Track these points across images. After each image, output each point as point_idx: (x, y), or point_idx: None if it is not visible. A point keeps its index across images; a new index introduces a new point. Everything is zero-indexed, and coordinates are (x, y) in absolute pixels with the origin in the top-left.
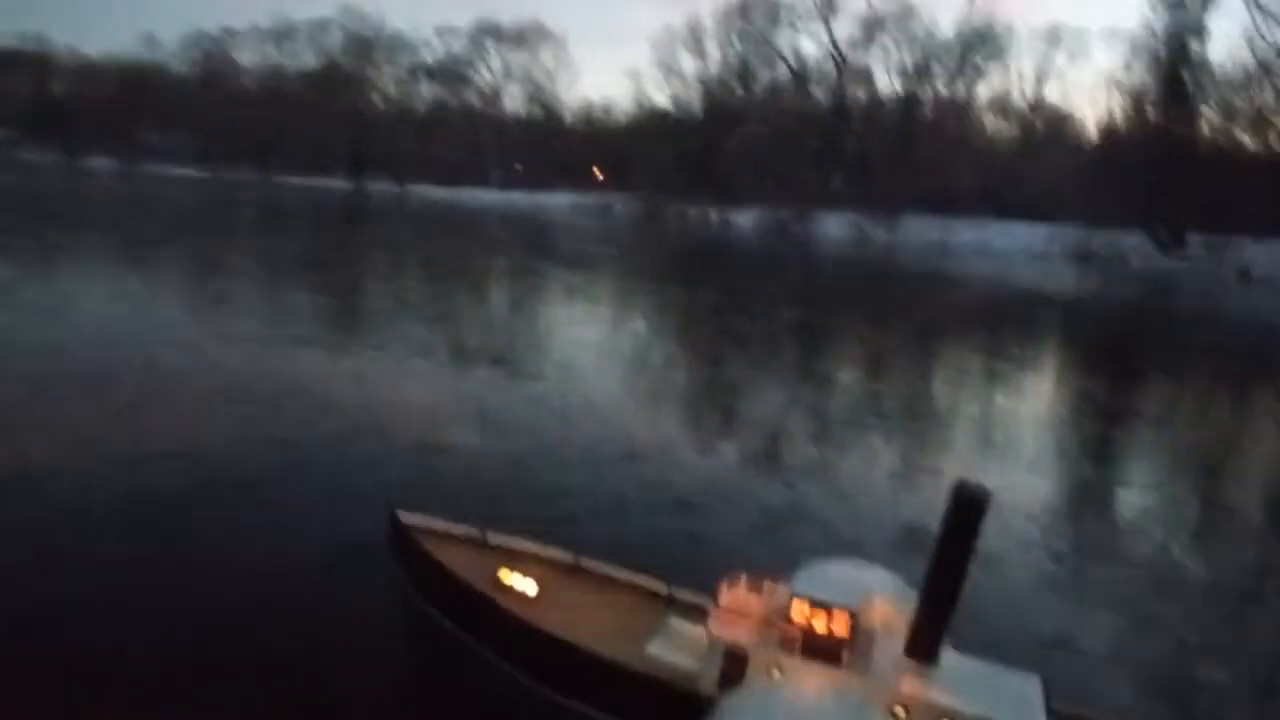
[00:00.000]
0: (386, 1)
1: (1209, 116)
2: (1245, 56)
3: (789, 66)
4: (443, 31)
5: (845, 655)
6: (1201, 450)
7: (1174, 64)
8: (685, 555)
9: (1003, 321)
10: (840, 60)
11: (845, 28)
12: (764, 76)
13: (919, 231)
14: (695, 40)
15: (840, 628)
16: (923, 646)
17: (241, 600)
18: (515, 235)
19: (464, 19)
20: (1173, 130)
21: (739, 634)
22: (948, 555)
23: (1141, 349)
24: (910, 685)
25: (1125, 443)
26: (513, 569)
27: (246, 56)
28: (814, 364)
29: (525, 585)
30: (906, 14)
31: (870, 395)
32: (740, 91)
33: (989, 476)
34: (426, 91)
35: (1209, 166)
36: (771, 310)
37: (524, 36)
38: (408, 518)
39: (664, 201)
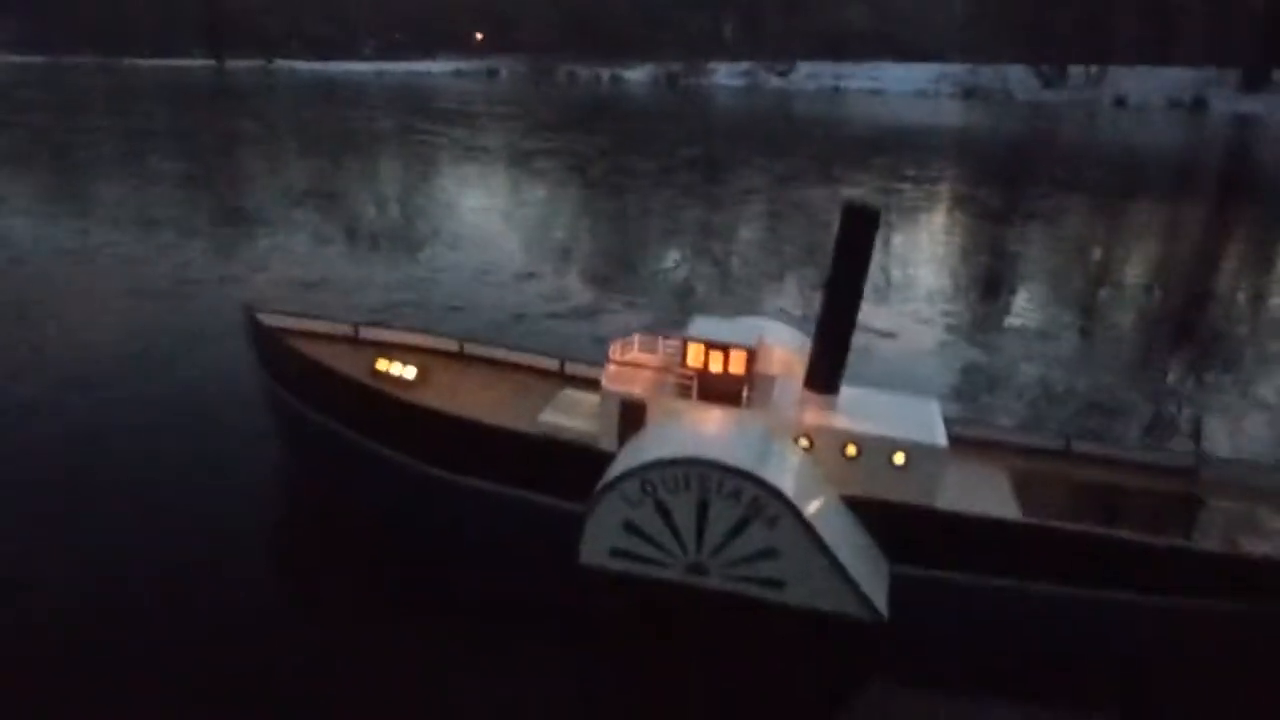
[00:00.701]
0: None
1: None
2: None
3: None
4: None
5: (745, 394)
6: (1080, 251)
7: None
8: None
9: (895, 151)
10: None
11: None
12: None
13: (812, 77)
14: None
15: (737, 367)
16: (822, 377)
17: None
18: (396, 104)
19: None
20: None
21: (634, 385)
22: (842, 277)
23: (1025, 169)
24: (812, 414)
25: (1013, 241)
26: (390, 359)
27: None
28: (710, 190)
29: (404, 371)
30: None
31: (763, 217)
32: None
33: (902, 282)
34: None
35: None
36: (667, 150)
37: None
38: (269, 318)
39: (551, 62)
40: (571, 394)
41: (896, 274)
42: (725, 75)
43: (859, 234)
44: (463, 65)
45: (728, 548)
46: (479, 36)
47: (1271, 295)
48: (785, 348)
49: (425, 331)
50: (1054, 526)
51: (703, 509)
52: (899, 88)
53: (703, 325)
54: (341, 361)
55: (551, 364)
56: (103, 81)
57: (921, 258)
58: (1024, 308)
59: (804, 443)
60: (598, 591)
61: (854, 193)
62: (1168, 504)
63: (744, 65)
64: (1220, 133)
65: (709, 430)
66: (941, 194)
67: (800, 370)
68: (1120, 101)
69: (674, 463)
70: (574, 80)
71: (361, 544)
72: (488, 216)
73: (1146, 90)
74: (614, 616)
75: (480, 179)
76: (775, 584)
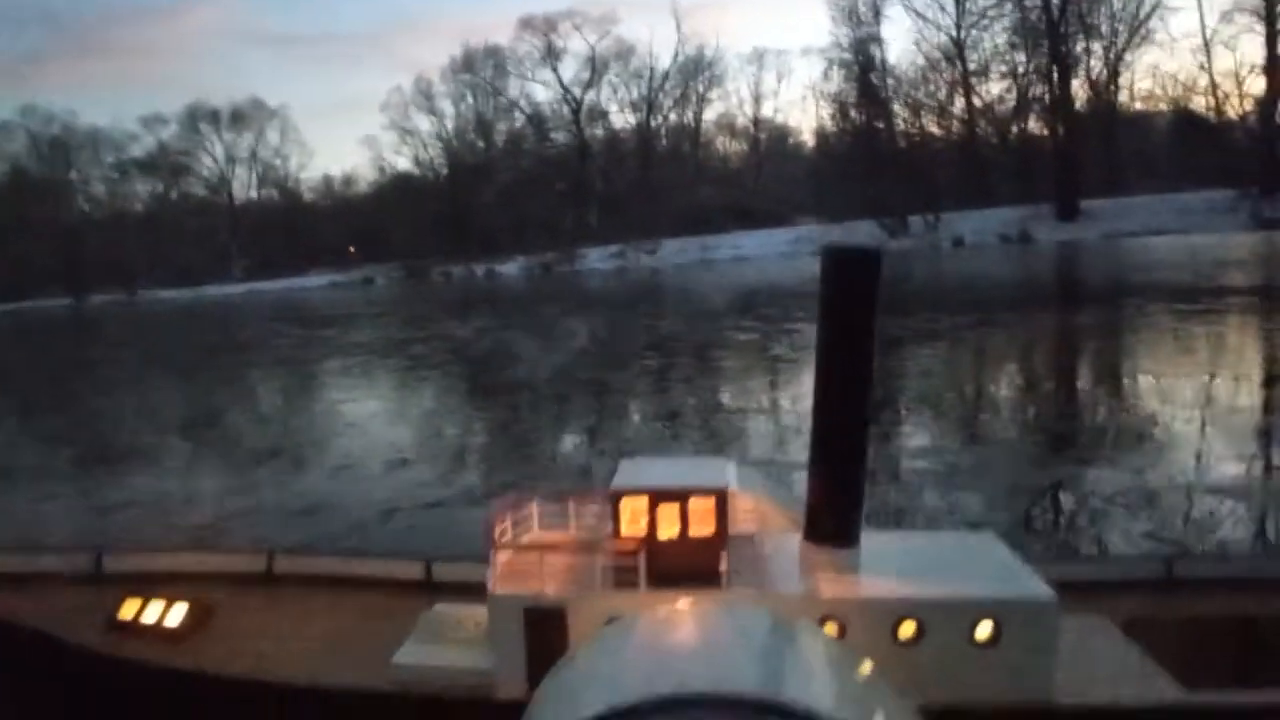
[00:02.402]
0: (78, 98)
1: (900, 112)
2: (916, 58)
3: (525, 114)
4: (150, 121)
5: (723, 565)
6: (953, 366)
7: (863, 70)
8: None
9: (771, 304)
10: (574, 102)
11: (571, 70)
12: (502, 127)
13: (680, 252)
14: (426, 99)
15: (703, 524)
16: (832, 523)
17: None
18: (265, 318)
19: (171, 106)
20: (873, 127)
21: (542, 581)
22: (841, 365)
23: (892, 305)
24: (831, 583)
25: (900, 361)
26: (148, 597)
27: None
28: (597, 352)
29: (167, 616)
30: (626, 51)
31: (653, 373)
32: (481, 144)
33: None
34: (142, 188)
35: (909, 155)
36: (546, 325)
37: (243, 116)
38: None
39: (425, 265)
40: (445, 611)
41: (792, 406)
42: (597, 259)
43: (853, 294)
44: (338, 278)
45: None
46: (351, 250)
47: (1123, 377)
48: (751, 492)
49: (214, 549)
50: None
51: None
52: (762, 252)
53: (632, 471)
54: (67, 612)
55: (413, 570)
56: None
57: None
58: (923, 418)
59: (830, 629)
60: None
61: (747, 337)
62: None
63: (613, 248)
64: (1047, 257)
65: (686, 636)
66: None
67: (778, 519)
68: (959, 241)
69: (637, 713)
70: (449, 279)
71: None
72: (355, 406)
73: (978, 230)
74: None
75: (348, 370)
76: None
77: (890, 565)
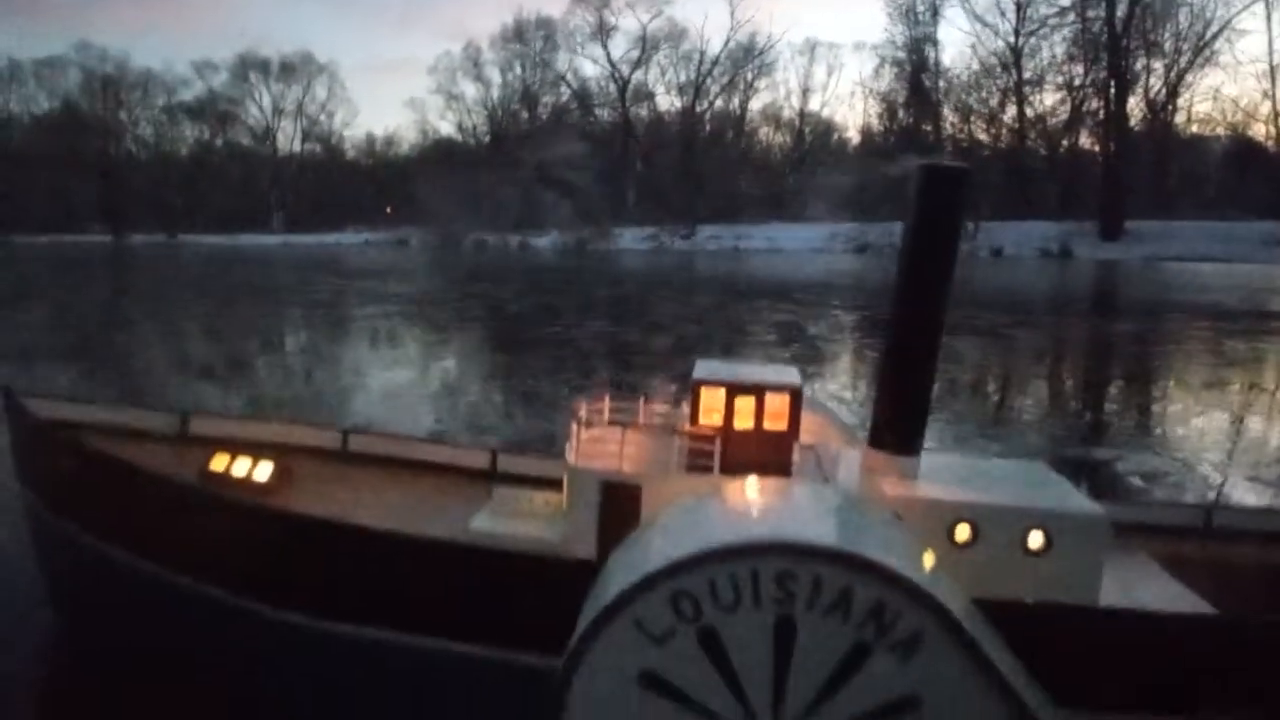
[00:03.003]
0: (132, 37)
1: (949, 116)
2: (971, 62)
3: (571, 88)
4: (201, 67)
5: (794, 456)
6: (992, 365)
7: (915, 70)
8: None
9: (804, 291)
10: (621, 80)
11: (621, 47)
12: (547, 100)
13: (714, 238)
14: (474, 66)
15: (778, 417)
16: (898, 431)
17: None
18: (301, 269)
19: (224, 54)
20: (920, 129)
21: (623, 459)
22: (917, 278)
23: None
24: (894, 483)
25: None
26: (234, 455)
27: None
28: (628, 323)
29: (255, 471)
30: (678, 34)
31: (685, 340)
32: (526, 115)
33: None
34: (189, 133)
35: (956, 160)
36: (582, 293)
37: (293, 69)
38: (42, 407)
39: (460, 231)
40: (516, 492)
41: (832, 386)
42: (631, 239)
43: (941, 207)
44: (372, 236)
45: (830, 704)
46: (389, 209)
47: (1155, 381)
48: (815, 412)
49: (293, 422)
50: None
51: (785, 636)
52: (796, 246)
53: (710, 368)
54: (156, 463)
55: (480, 459)
56: None
57: (854, 369)
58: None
59: None
60: None
61: (783, 318)
62: None
63: (649, 230)
64: (1087, 274)
65: (771, 503)
66: (862, 320)
67: (835, 435)
68: (997, 252)
69: (732, 553)
70: (483, 247)
71: None
72: (397, 350)
73: (1018, 242)
74: None
75: (389, 316)
76: None
77: (949, 476)
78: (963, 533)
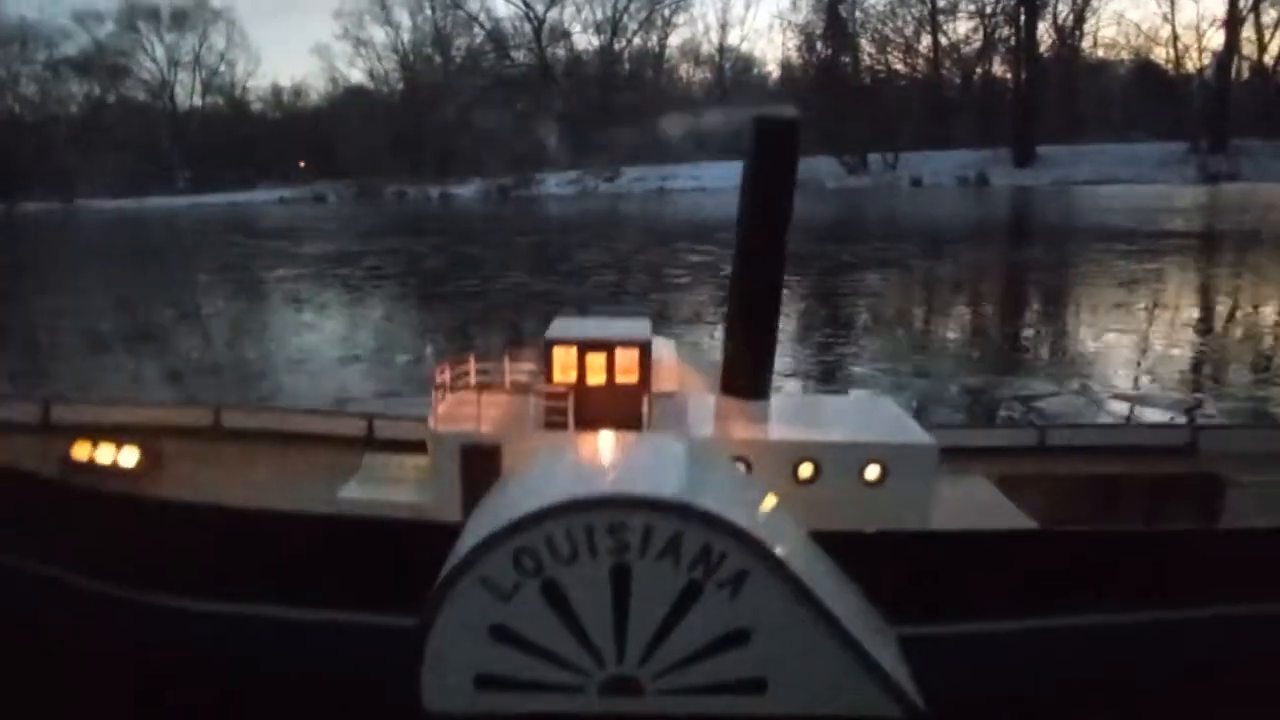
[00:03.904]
0: None
1: (866, 47)
2: None
3: (484, 30)
4: (84, 18)
5: (643, 410)
6: (917, 289)
7: (833, 1)
8: None
9: (730, 230)
10: (536, 20)
11: None
12: (461, 43)
13: (638, 180)
14: (382, 9)
15: (628, 371)
16: (746, 377)
17: None
18: (210, 230)
19: (108, 3)
20: (839, 60)
21: (481, 421)
22: (756, 229)
23: (850, 235)
24: (743, 427)
25: (861, 286)
26: (97, 442)
27: None
28: (551, 267)
29: (120, 456)
30: None
31: (607, 286)
32: (439, 60)
33: None
34: (77, 90)
35: (872, 92)
36: (502, 241)
37: (185, 16)
38: None
39: (378, 184)
40: (384, 459)
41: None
42: (555, 185)
43: (775, 158)
44: (286, 193)
45: (668, 642)
46: (302, 164)
47: (1070, 302)
48: (671, 356)
49: (161, 405)
50: (1119, 531)
51: (621, 582)
52: (720, 184)
53: (567, 326)
54: (14, 454)
55: (355, 426)
56: None
57: (791, 298)
58: (890, 332)
59: (740, 468)
60: None
61: (700, 259)
62: (1182, 489)
63: (572, 174)
64: (1003, 200)
65: (609, 458)
66: (795, 253)
67: (697, 383)
68: (916, 182)
69: (564, 510)
70: (403, 199)
71: None
72: (306, 312)
73: (936, 171)
74: None
75: (300, 279)
76: (751, 687)
77: (795, 417)
78: (806, 470)
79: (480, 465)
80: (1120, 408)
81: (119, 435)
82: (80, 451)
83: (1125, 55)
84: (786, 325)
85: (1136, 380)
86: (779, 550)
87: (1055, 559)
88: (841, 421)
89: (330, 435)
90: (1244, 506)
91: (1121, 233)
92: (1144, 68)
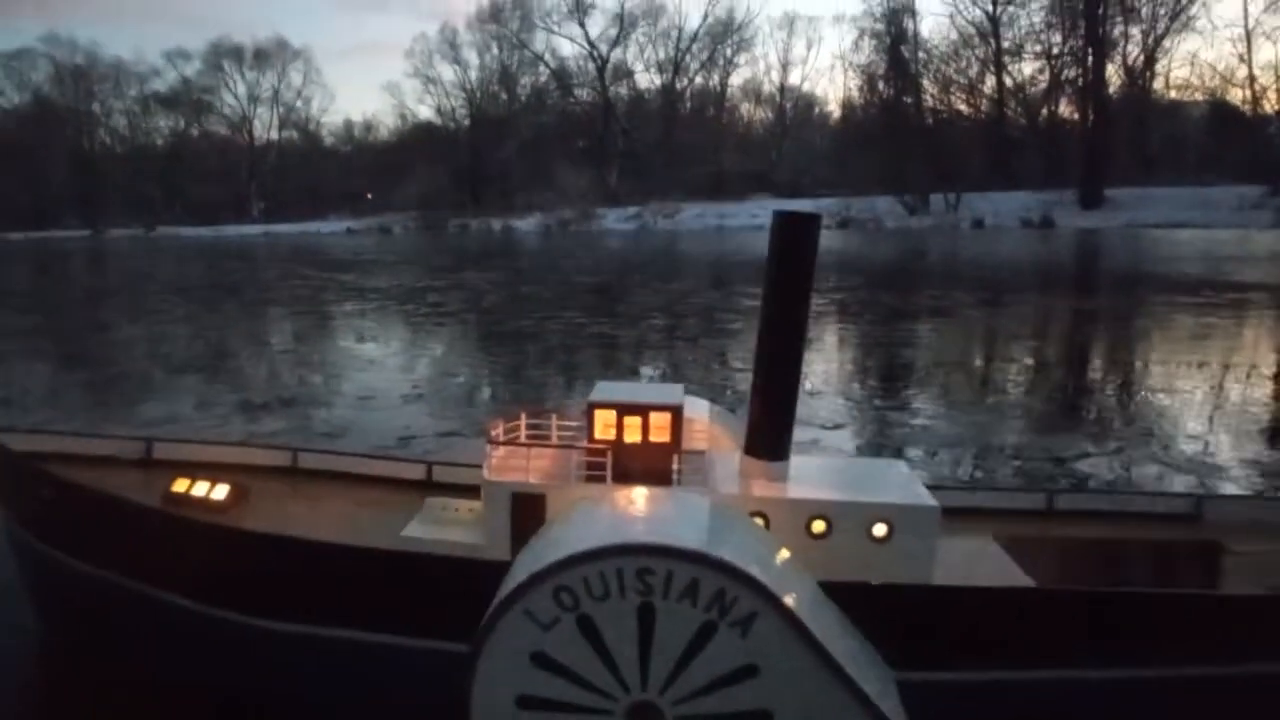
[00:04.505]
0: (101, 28)
1: (928, 87)
2: (950, 32)
3: (549, 68)
4: (174, 56)
5: (674, 468)
6: (977, 338)
7: (895, 41)
8: None
9: None
10: (599, 58)
11: (599, 26)
12: (526, 81)
13: (698, 217)
14: (451, 48)
15: (661, 433)
16: (767, 440)
17: None
18: (284, 259)
19: (196, 41)
20: (901, 101)
21: (528, 474)
22: (779, 313)
23: (910, 279)
24: (762, 486)
25: (918, 333)
26: (194, 478)
27: None
28: (611, 308)
29: (213, 492)
30: (656, 10)
31: (665, 330)
32: (504, 97)
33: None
34: (164, 123)
35: (935, 132)
36: (562, 279)
37: (266, 55)
38: (17, 440)
39: (443, 216)
40: (443, 501)
41: (831, 365)
42: (614, 220)
43: (796, 250)
44: (354, 224)
45: (686, 673)
46: (369, 196)
47: (1135, 357)
48: (701, 416)
49: (248, 444)
50: (1103, 592)
51: (646, 620)
52: None
53: (608, 389)
54: (123, 487)
55: (416, 470)
56: None
57: (850, 347)
58: (952, 382)
59: (758, 522)
60: None
61: (754, 303)
62: (1183, 554)
63: (632, 210)
64: (1068, 244)
65: (640, 510)
66: (847, 300)
67: (726, 443)
68: (979, 223)
69: (599, 554)
70: (465, 232)
71: None
72: (374, 346)
73: (999, 212)
74: None
75: (367, 315)
76: (759, 716)
77: (812, 477)
78: (818, 526)
79: (527, 511)
80: (1179, 476)
81: (212, 472)
82: (179, 486)
83: (1199, 96)
84: (837, 373)
85: (1207, 444)
86: (786, 595)
87: (1046, 615)
88: (853, 482)
89: (393, 478)
90: (1240, 572)
91: (1191, 282)
92: (1219, 108)
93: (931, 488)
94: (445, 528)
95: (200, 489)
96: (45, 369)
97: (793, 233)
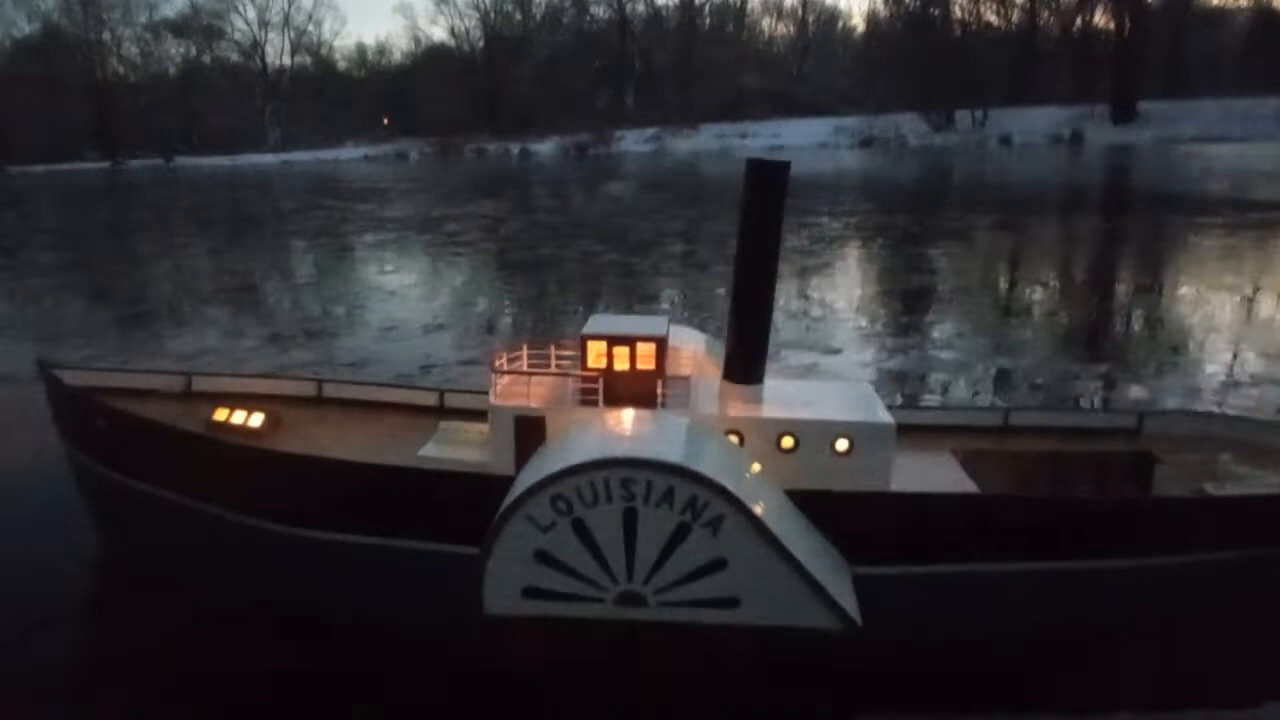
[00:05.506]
0: None
1: None
2: None
3: None
4: None
5: (659, 392)
6: (999, 259)
7: None
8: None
9: (804, 195)
10: None
11: None
12: (541, 0)
13: (717, 137)
14: None
15: (646, 361)
16: (742, 365)
17: None
18: (301, 188)
19: None
20: (929, 13)
21: (529, 399)
22: (752, 248)
23: (931, 199)
24: (737, 407)
25: (936, 257)
26: (232, 408)
27: None
28: (625, 234)
29: (250, 420)
30: None
31: (679, 257)
32: (519, 17)
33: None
34: (175, 51)
35: (963, 46)
36: (580, 204)
37: None
38: (73, 376)
39: (458, 141)
40: (455, 425)
41: (837, 291)
42: (632, 142)
43: (767, 194)
44: (370, 150)
45: (665, 567)
46: (385, 121)
47: (1162, 282)
48: (691, 345)
49: (277, 376)
50: (1033, 498)
51: (630, 522)
52: (799, 141)
53: (600, 322)
54: (167, 417)
55: (429, 398)
56: None
57: (856, 274)
58: (960, 308)
59: (733, 439)
60: (512, 645)
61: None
62: (1121, 464)
63: (650, 131)
64: (1099, 160)
65: (625, 429)
66: (860, 224)
67: (712, 369)
68: (1006, 140)
69: (589, 467)
70: (482, 156)
71: (204, 625)
72: (393, 277)
73: (1028, 129)
74: (535, 672)
75: (387, 245)
76: (727, 603)
77: (782, 399)
78: (787, 442)
79: (529, 432)
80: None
81: (247, 402)
82: (220, 415)
83: (1243, 2)
84: (855, 298)
85: (1232, 369)
86: (750, 501)
87: (984, 517)
88: (819, 403)
89: (409, 404)
90: (1169, 479)
91: (1222, 200)
92: (1263, 17)
93: (899, 408)
94: (457, 448)
95: (239, 417)
96: (79, 305)
97: (764, 178)
